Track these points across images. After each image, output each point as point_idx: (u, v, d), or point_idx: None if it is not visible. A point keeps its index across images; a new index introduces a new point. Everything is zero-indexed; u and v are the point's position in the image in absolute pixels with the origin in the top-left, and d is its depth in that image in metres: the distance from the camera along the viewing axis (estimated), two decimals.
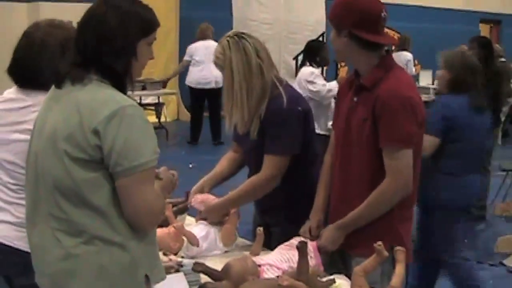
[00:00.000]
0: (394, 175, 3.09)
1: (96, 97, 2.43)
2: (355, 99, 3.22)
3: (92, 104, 2.41)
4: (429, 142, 4.42)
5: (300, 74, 8.10)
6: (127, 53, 2.50)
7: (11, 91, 3.25)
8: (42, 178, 2.50)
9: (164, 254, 3.19)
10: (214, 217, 3.60)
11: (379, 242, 2.69)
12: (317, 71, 7.94)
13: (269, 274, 2.94)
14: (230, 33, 3.56)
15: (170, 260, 3.12)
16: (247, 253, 3.30)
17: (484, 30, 21.52)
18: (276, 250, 3.16)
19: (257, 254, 3.22)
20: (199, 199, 3.67)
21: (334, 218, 3.26)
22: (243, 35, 3.52)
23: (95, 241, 2.43)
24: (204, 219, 3.61)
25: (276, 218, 3.69)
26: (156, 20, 2.61)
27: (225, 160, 3.95)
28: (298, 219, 3.48)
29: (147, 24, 2.56)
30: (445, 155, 4.66)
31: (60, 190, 2.43)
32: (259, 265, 2.97)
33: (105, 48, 2.46)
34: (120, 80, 2.51)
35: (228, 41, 3.50)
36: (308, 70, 7.91)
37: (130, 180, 2.39)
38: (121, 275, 2.46)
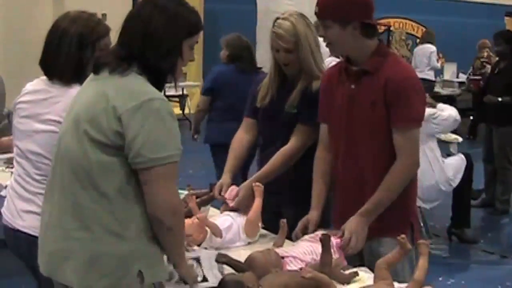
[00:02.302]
0: (407, 154, 3.17)
1: (127, 85, 2.46)
2: (352, 86, 3.25)
3: (121, 92, 2.44)
4: (202, 100, 6.99)
5: None
6: (173, 54, 2.53)
7: (34, 83, 3.27)
8: (61, 157, 2.54)
9: (188, 245, 3.20)
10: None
11: (403, 236, 2.68)
12: None
13: (292, 266, 2.93)
14: (290, 13, 3.78)
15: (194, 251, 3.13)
16: (270, 244, 3.30)
17: (509, 23, 21.30)
18: (300, 242, 3.17)
19: (281, 246, 3.22)
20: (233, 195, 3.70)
21: (346, 216, 3.23)
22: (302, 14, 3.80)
23: (94, 226, 2.45)
24: (231, 210, 3.62)
25: (288, 198, 3.82)
26: (200, 23, 2.63)
27: (239, 143, 3.99)
28: (307, 200, 3.59)
29: (192, 27, 2.58)
30: (214, 107, 6.79)
31: (73, 169, 2.47)
32: (283, 257, 2.97)
33: (151, 49, 2.49)
34: (160, 77, 2.54)
35: (295, 18, 3.73)
36: None
37: (150, 174, 2.41)
38: (113, 266, 2.46)
